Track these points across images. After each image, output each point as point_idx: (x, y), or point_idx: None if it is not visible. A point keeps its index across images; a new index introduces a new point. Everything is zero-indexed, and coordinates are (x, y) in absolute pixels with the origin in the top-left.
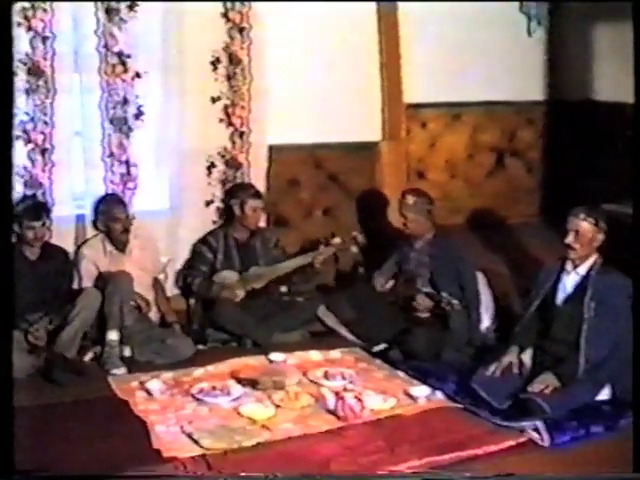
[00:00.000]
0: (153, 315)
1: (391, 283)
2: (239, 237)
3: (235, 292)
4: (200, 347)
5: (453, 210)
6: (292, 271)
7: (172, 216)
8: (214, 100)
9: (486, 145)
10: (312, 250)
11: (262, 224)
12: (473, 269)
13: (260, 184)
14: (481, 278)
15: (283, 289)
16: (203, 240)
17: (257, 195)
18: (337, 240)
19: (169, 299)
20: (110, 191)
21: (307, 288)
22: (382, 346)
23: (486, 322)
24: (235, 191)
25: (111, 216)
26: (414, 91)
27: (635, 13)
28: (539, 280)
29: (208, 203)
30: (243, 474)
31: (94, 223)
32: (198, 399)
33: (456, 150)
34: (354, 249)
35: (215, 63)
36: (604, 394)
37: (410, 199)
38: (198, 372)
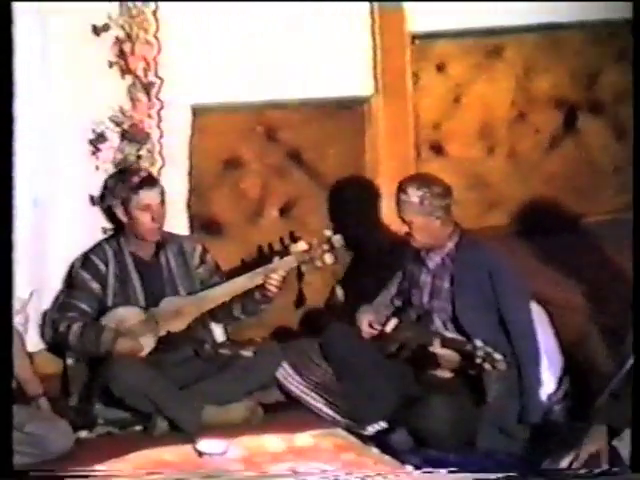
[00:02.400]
0: None
1: (392, 323)
2: (139, 252)
3: (139, 342)
4: (84, 435)
5: (491, 204)
6: (231, 301)
7: (36, 220)
8: (98, 31)
9: (547, 96)
10: (261, 264)
11: (180, 230)
12: (525, 299)
13: (179, 167)
14: (539, 314)
15: (218, 334)
16: (83, 261)
17: (147, 183)
18: (301, 246)
19: (32, 357)
20: None
21: (258, 331)
22: (380, 426)
23: (550, 386)
24: (111, 184)
25: None
26: (424, 13)
27: (635, 13)
28: None
29: (95, 199)
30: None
31: None
32: None
33: (496, 106)
34: (328, 259)
35: None
36: None
37: (413, 193)
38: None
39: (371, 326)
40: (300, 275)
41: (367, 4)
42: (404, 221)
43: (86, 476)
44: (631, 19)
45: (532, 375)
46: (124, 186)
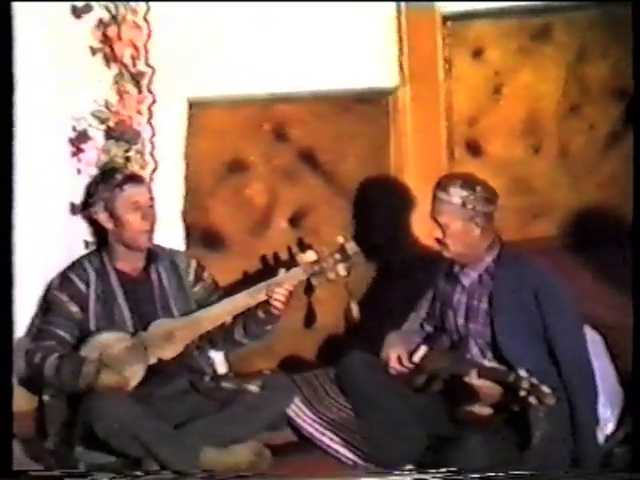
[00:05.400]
0: None
1: (422, 352)
2: (126, 267)
3: (125, 375)
4: None
5: (537, 212)
6: (231, 322)
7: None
8: (78, 12)
9: (603, 86)
10: (266, 277)
11: (174, 243)
12: (577, 323)
13: (173, 170)
14: (594, 340)
15: (219, 363)
16: (61, 281)
17: (132, 179)
18: (310, 255)
19: None
20: None
21: (265, 361)
22: (406, 469)
23: (609, 425)
24: (92, 186)
25: None
26: None
27: (635, 13)
28: None
29: (76, 208)
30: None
31: None
32: None
33: (543, 98)
34: (342, 270)
35: None
36: None
37: (455, 193)
38: None
39: (400, 361)
40: (309, 289)
41: None
42: (438, 224)
43: (86, 476)
44: None
45: (587, 412)
46: (107, 185)
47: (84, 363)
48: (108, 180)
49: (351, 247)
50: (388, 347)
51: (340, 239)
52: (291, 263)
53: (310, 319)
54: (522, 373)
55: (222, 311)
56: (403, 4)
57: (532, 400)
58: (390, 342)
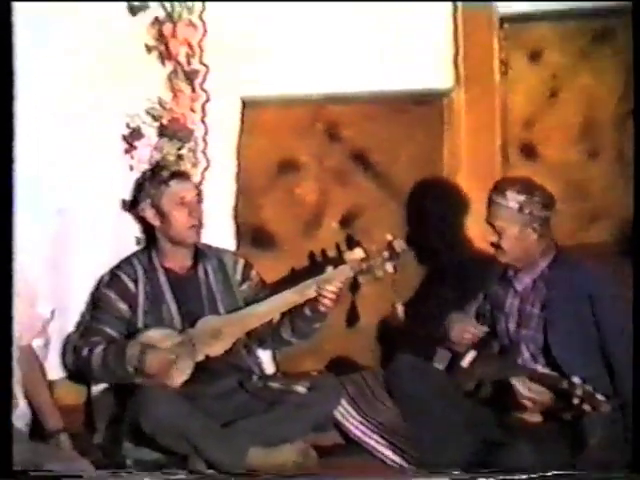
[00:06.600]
0: (20, 417)
1: (471, 355)
2: (174, 265)
3: (172, 369)
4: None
5: (593, 216)
6: (279, 321)
7: (59, 230)
8: (134, 10)
9: None
10: (313, 275)
11: (225, 242)
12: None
13: (225, 169)
14: None
15: (266, 364)
16: (110, 279)
17: (178, 175)
18: (358, 253)
19: (51, 386)
20: None
21: (312, 362)
22: (454, 474)
23: None
24: (141, 183)
25: None
26: None
27: (635, 13)
28: None
29: (127, 204)
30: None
31: None
32: None
33: (601, 101)
34: (390, 267)
35: None
36: None
37: (513, 198)
38: None
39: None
40: (355, 287)
41: None
42: (494, 228)
43: (85, 476)
44: None
45: None
46: (153, 181)
47: (127, 346)
48: (154, 177)
49: (399, 245)
50: (454, 323)
51: (388, 237)
52: (339, 261)
53: (353, 318)
54: (575, 380)
55: (270, 308)
56: (460, 4)
57: (586, 407)
58: (454, 319)
